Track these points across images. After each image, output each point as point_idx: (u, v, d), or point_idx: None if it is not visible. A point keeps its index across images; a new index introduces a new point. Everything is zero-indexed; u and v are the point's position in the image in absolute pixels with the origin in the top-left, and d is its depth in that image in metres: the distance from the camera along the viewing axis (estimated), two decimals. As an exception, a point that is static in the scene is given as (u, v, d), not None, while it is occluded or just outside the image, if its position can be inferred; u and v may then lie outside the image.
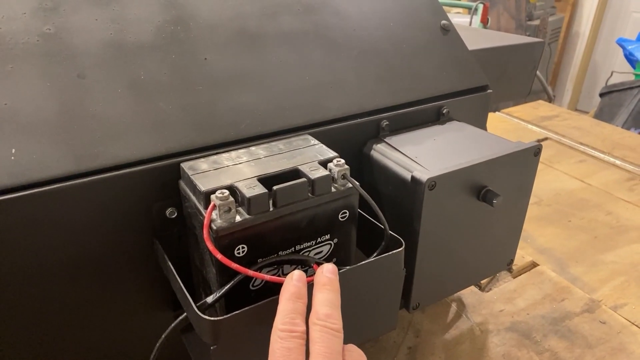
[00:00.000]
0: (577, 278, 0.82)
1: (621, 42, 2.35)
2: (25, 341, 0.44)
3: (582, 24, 3.30)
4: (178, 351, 0.52)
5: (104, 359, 0.49)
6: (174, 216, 0.46)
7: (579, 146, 1.29)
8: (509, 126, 1.42)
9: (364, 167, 0.56)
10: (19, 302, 0.42)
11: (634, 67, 2.31)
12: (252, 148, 0.47)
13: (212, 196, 0.38)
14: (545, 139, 1.34)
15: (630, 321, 0.72)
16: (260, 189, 0.39)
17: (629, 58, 2.33)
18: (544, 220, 0.98)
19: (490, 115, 1.51)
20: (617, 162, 1.20)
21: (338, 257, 0.46)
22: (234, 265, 0.37)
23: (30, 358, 0.45)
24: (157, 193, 0.45)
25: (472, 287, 0.79)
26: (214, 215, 0.38)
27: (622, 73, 2.44)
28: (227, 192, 0.38)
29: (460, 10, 2.36)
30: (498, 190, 0.50)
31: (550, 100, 2.41)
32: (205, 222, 0.38)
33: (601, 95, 2.21)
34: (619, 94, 2.09)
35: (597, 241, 0.91)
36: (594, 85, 3.35)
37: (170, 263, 0.43)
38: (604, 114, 2.13)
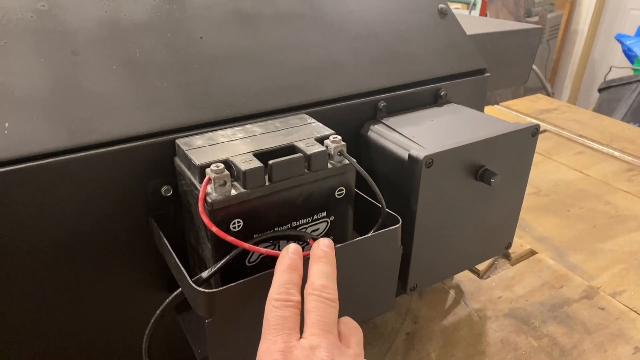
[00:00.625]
0: (576, 266, 0.81)
1: (620, 38, 2.35)
2: (19, 322, 0.44)
3: (580, 21, 3.30)
4: (174, 332, 0.51)
5: (100, 338, 0.49)
6: (169, 194, 0.46)
7: (577, 138, 1.28)
8: (508, 119, 1.42)
9: (361, 149, 0.56)
10: (12, 281, 0.42)
11: (632, 63, 2.31)
12: (248, 126, 0.47)
13: (207, 170, 0.38)
14: (544, 131, 1.34)
15: (629, 307, 0.72)
16: (256, 163, 0.39)
17: (628, 54, 2.32)
18: (542, 210, 0.97)
19: (489, 108, 1.51)
20: (616, 153, 1.20)
21: (335, 235, 0.46)
22: (230, 238, 0.37)
23: (26, 338, 0.45)
24: (152, 170, 0.44)
25: (470, 275, 0.78)
26: (209, 188, 0.38)
27: (621, 68, 2.44)
28: (222, 166, 0.38)
29: (459, 5, 2.36)
30: (496, 170, 0.50)
31: (549, 96, 2.41)
32: (200, 195, 0.37)
33: (600, 90, 2.21)
34: (618, 88, 2.09)
35: (596, 230, 0.91)
36: (592, 82, 3.35)
37: (165, 240, 0.43)
38: (603, 109, 2.13)
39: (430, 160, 0.46)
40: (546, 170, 1.13)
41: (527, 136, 0.52)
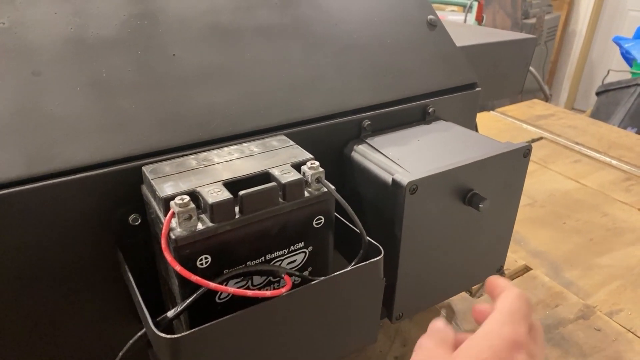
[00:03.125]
0: (572, 282, 0.79)
1: (617, 41, 2.32)
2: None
3: (578, 22, 3.28)
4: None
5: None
6: (137, 223, 0.43)
7: (574, 146, 1.26)
8: (504, 125, 1.40)
9: (345, 170, 0.53)
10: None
11: (630, 66, 2.28)
12: (222, 150, 0.44)
13: (172, 202, 0.35)
14: (540, 138, 1.31)
15: (625, 328, 0.69)
16: (224, 195, 0.36)
17: (626, 56, 2.30)
18: (538, 222, 0.95)
19: (485, 114, 1.49)
20: (613, 162, 1.18)
21: (313, 266, 0.43)
22: (194, 278, 0.34)
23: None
24: (118, 198, 0.42)
25: (463, 293, 0.76)
26: (174, 223, 0.35)
27: (619, 71, 2.41)
28: (187, 198, 0.35)
29: (455, 8, 2.33)
30: (485, 194, 0.47)
31: (547, 99, 2.38)
32: (164, 230, 0.35)
33: (598, 94, 2.19)
34: (616, 92, 2.07)
35: (593, 244, 0.88)
36: (590, 84, 3.33)
37: (130, 274, 0.40)
38: (601, 113, 2.11)
39: (414, 187, 0.43)
40: (542, 180, 1.10)
41: (518, 157, 0.50)
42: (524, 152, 0.50)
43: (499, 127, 1.39)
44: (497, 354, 0.30)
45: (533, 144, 1.29)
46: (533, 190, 1.06)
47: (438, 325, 0.36)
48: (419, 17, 0.62)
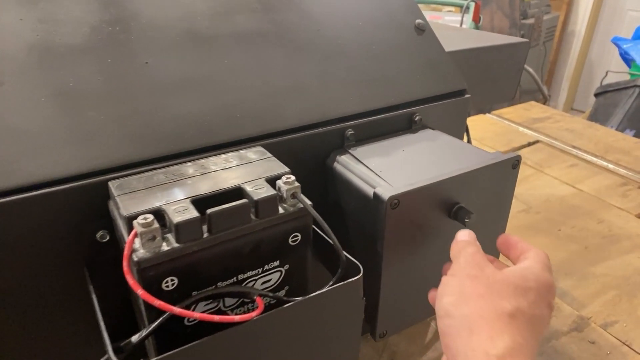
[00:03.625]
0: (566, 292, 0.77)
1: (616, 42, 2.30)
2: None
3: (577, 22, 3.26)
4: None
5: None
6: (106, 240, 0.41)
7: (571, 149, 1.24)
8: (499, 128, 1.38)
9: (327, 181, 0.51)
10: None
11: (629, 67, 2.26)
12: (195, 163, 0.42)
13: (135, 222, 0.33)
14: (536, 141, 1.29)
15: (621, 341, 0.67)
16: (191, 213, 0.34)
17: (624, 57, 2.28)
18: (532, 229, 0.93)
19: (480, 117, 1.47)
20: (610, 166, 1.16)
21: (290, 285, 0.41)
22: (157, 303, 0.32)
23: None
24: (85, 215, 0.40)
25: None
26: (137, 243, 0.33)
27: (618, 73, 2.39)
28: (151, 217, 0.33)
29: (452, 8, 2.30)
30: (472, 207, 0.45)
31: (545, 99, 2.36)
32: (125, 252, 0.33)
33: (596, 95, 2.17)
34: (614, 93, 2.05)
35: (588, 252, 0.86)
36: (590, 85, 3.31)
37: (93, 294, 0.38)
38: (599, 114, 2.09)
39: (396, 202, 0.41)
40: (537, 185, 1.08)
41: (506, 169, 0.48)
42: (513, 163, 0.48)
43: (495, 130, 1.37)
44: (540, 287, 0.35)
45: (529, 148, 1.27)
46: (528, 195, 1.04)
47: (473, 235, 0.41)
48: (406, 21, 0.60)
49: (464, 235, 0.41)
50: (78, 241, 0.40)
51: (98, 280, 0.41)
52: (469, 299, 0.34)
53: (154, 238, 0.33)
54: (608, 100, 2.06)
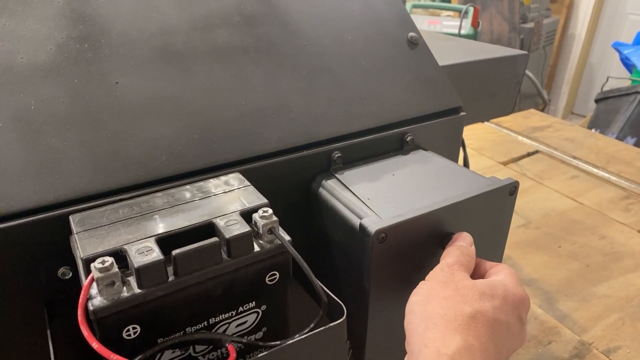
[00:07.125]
0: (567, 315, 0.74)
1: (617, 47, 2.27)
2: None
3: (577, 26, 3.23)
4: None
5: None
6: (68, 277, 0.38)
7: (571, 160, 1.21)
8: (498, 138, 1.35)
9: (313, 207, 0.48)
10: None
11: (630, 72, 2.23)
12: (166, 192, 0.39)
13: (92, 265, 0.30)
14: (536, 151, 1.26)
15: (624, 369, 0.64)
16: (153, 256, 0.31)
17: (625, 63, 2.25)
18: (532, 245, 0.90)
19: (479, 125, 1.43)
20: (612, 178, 1.13)
21: (269, 326, 0.38)
22: (114, 358, 0.29)
23: None
24: (45, 251, 0.37)
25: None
26: (94, 290, 0.30)
27: (618, 79, 2.36)
28: (109, 261, 0.30)
29: (451, 13, 2.28)
30: (466, 237, 0.42)
31: (545, 104, 2.32)
32: (81, 299, 0.30)
33: (597, 101, 2.13)
34: (615, 100, 2.01)
35: (589, 270, 0.83)
36: (590, 89, 3.28)
37: (50, 338, 0.35)
38: (600, 121, 2.05)
39: (383, 235, 0.38)
40: (537, 198, 1.05)
41: (503, 195, 0.45)
42: (510, 190, 0.45)
43: (494, 139, 1.34)
44: (509, 296, 0.35)
45: (528, 158, 1.24)
46: (527, 209, 1.01)
47: (469, 239, 0.41)
48: (398, 34, 0.57)
49: (459, 241, 0.41)
50: (37, 279, 0.37)
51: (59, 320, 0.37)
52: (434, 300, 0.35)
53: (112, 283, 0.30)
54: (609, 107, 2.03)
